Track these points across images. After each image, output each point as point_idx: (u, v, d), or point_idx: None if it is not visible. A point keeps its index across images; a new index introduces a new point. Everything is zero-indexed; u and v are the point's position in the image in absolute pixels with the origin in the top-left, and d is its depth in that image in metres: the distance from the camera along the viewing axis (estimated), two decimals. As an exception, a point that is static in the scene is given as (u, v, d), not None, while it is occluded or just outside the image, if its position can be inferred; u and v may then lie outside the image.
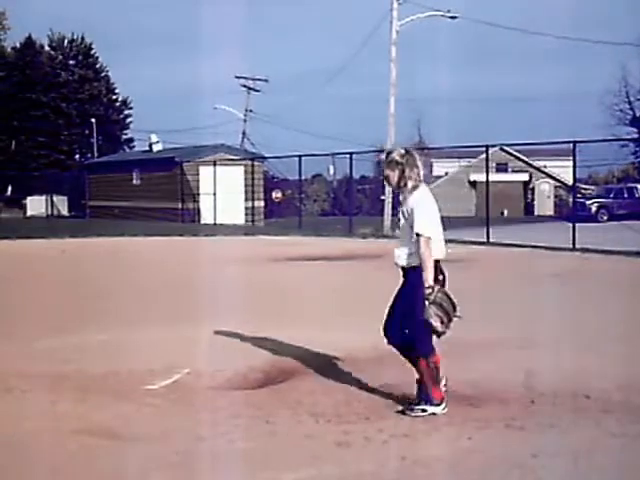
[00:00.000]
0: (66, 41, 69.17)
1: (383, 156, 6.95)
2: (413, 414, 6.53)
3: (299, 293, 14.22)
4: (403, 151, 6.86)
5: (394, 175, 6.75)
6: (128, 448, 5.87)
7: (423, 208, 6.63)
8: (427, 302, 6.37)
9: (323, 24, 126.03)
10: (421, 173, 6.73)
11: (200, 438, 6.04)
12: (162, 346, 9.21)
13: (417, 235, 6.51)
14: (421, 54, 77.29)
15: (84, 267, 19.69)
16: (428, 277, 6.44)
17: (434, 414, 6.52)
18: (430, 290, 6.40)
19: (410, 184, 6.71)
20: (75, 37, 69.27)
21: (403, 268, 6.69)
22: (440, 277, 6.61)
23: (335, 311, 11.81)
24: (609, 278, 16.35)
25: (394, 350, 6.83)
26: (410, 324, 6.56)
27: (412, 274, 6.59)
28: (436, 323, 6.40)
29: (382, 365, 8.10)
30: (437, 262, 6.61)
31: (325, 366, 8.20)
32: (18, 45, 67.38)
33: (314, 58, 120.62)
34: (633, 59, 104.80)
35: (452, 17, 36.00)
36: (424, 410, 6.54)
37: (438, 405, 6.58)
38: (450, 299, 6.51)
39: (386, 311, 6.81)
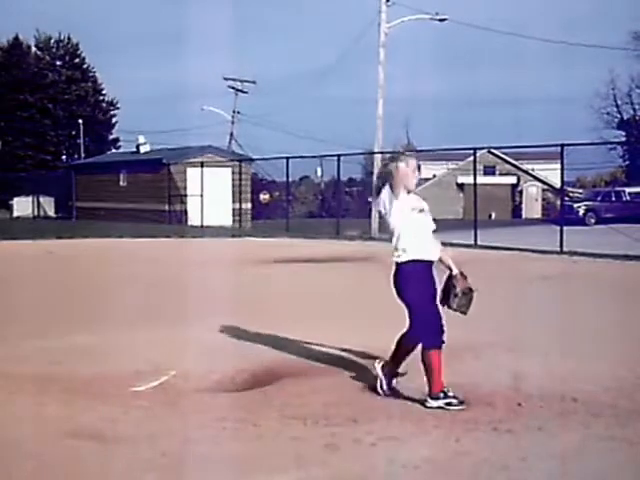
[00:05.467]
0: (52, 41, 69.00)
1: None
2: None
3: (286, 295, 14.19)
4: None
5: None
6: (115, 450, 5.84)
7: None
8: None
9: (311, 26, 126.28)
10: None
11: (187, 441, 6.02)
12: (149, 348, 9.18)
13: None
14: (409, 56, 77.33)
15: (71, 268, 19.62)
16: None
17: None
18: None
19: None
20: (62, 37, 69.15)
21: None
22: None
23: (323, 313, 11.81)
24: (597, 281, 16.39)
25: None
26: None
27: None
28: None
29: (371, 367, 8.09)
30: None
31: (313, 368, 8.19)
32: (5, 44, 67.12)
33: (302, 60, 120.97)
34: (621, 62, 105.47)
35: (441, 20, 36.04)
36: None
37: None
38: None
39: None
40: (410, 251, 6.90)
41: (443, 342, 6.88)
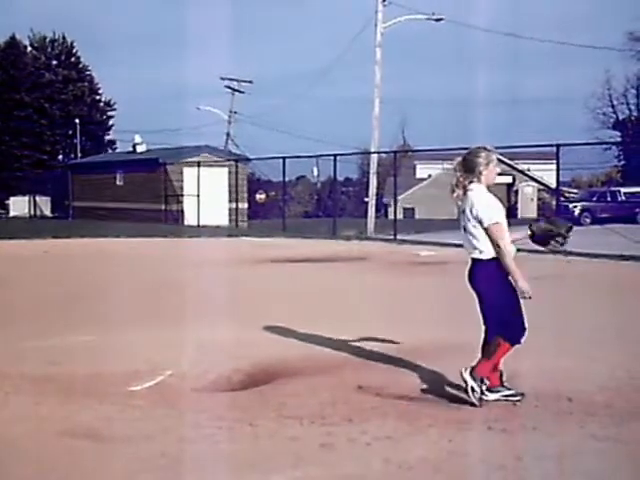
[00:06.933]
0: (47, 41, 68.89)
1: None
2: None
3: (283, 295, 14.21)
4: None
5: None
6: (112, 450, 5.85)
7: None
8: None
9: (308, 26, 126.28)
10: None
11: (184, 440, 6.03)
12: (146, 347, 9.19)
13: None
14: (406, 56, 77.47)
15: (68, 268, 19.62)
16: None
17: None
18: None
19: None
20: (56, 37, 69.04)
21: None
22: None
23: (320, 312, 11.82)
24: (592, 281, 16.40)
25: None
26: None
27: None
28: None
29: (367, 366, 8.12)
30: None
31: (309, 367, 8.20)
32: (1, 44, 66.98)
33: (299, 60, 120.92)
34: (616, 63, 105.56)
35: (437, 20, 36.07)
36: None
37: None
38: None
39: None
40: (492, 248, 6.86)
41: (519, 342, 6.90)
